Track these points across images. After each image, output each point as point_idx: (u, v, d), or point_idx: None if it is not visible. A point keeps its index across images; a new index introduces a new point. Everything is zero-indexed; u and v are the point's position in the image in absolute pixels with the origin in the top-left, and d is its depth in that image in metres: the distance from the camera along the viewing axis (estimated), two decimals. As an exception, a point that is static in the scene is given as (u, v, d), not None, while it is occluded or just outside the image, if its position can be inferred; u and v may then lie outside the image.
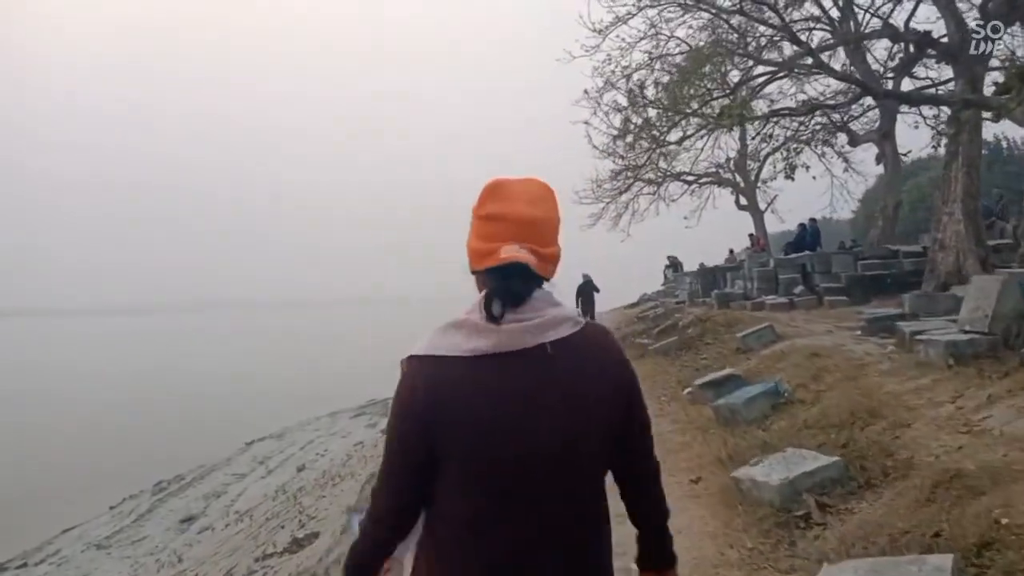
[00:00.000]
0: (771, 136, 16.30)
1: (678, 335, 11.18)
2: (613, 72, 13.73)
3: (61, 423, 18.97)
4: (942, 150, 12.32)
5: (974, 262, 9.88)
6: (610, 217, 19.48)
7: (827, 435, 4.39)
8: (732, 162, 20.61)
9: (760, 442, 4.67)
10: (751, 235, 20.85)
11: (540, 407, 1.05)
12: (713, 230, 23.66)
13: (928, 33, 10.94)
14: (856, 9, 13.61)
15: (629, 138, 14.73)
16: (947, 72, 12.24)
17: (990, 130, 21.97)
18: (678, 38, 13.70)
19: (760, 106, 14.73)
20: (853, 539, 3.00)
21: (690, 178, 20.51)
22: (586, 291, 14.81)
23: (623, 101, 13.90)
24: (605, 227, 19.60)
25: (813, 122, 16.71)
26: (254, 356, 38.96)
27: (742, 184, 20.83)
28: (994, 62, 10.42)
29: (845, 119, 16.64)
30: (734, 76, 13.16)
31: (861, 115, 16.83)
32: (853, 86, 12.32)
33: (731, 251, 21.48)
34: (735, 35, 13.08)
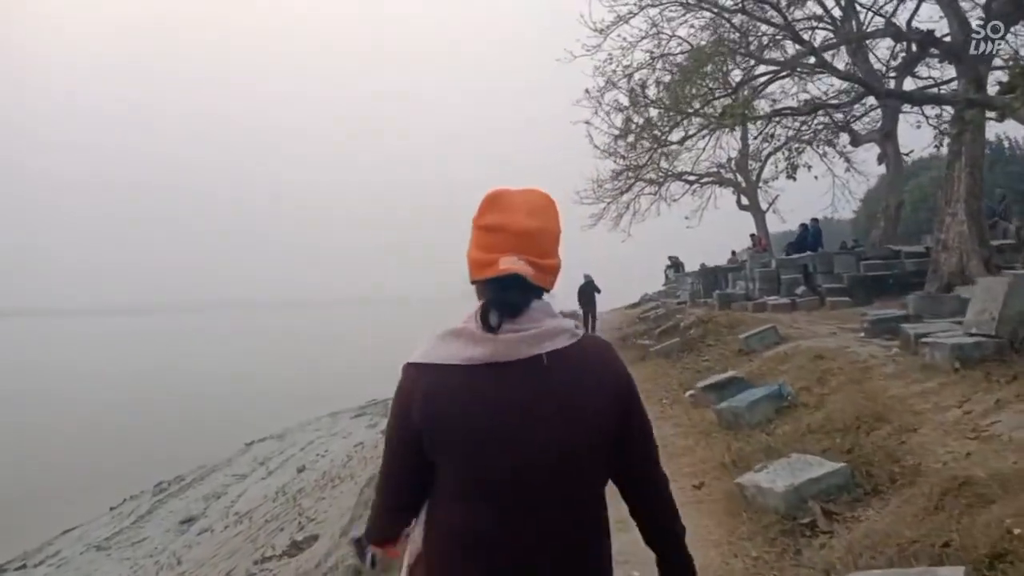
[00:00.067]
0: (773, 136, 16.31)
1: (680, 336, 11.14)
2: (614, 71, 13.70)
3: (61, 423, 18.94)
4: (944, 150, 12.28)
5: (977, 263, 9.84)
6: (611, 217, 19.45)
7: (832, 440, 4.33)
8: (734, 162, 20.54)
9: (764, 446, 4.61)
10: (752, 235, 20.78)
11: (536, 418, 1.06)
12: (714, 230, 23.65)
13: (931, 32, 10.87)
14: (858, 8, 13.54)
15: (630, 138, 14.70)
16: (950, 72, 12.20)
17: (992, 130, 21.97)
18: (680, 37, 13.65)
19: (762, 106, 14.72)
20: (860, 548, 2.94)
21: (691, 178, 20.45)
22: (587, 291, 14.75)
23: (624, 101, 13.90)
24: (606, 227, 19.58)
25: (815, 122, 16.68)
26: (254, 356, 38.93)
27: (743, 184, 20.77)
28: (998, 61, 10.35)
29: (847, 119, 16.56)
30: (736, 75, 13.13)
31: (863, 115, 16.75)
32: (855, 86, 12.28)
33: (733, 252, 21.43)
34: (737, 34, 13.01)
